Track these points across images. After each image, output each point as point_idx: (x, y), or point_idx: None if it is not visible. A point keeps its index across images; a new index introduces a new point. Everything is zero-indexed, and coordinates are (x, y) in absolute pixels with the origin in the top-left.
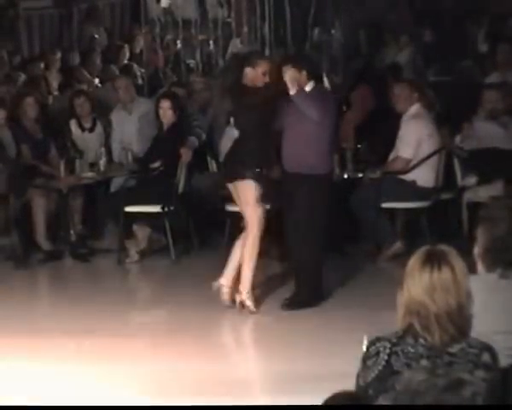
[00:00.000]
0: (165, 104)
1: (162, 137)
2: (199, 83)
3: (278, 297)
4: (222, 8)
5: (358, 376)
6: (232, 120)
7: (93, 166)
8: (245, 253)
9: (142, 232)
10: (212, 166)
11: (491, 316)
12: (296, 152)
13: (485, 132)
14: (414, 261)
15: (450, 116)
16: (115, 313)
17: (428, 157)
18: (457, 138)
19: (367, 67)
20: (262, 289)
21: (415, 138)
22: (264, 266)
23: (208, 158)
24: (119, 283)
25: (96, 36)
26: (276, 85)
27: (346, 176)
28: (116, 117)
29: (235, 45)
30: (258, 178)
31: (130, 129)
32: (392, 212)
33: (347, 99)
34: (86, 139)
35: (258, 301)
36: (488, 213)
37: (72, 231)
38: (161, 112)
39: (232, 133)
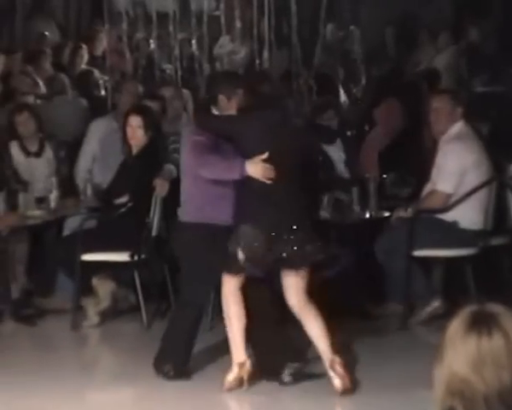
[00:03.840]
0: (135, 121)
1: (130, 165)
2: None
3: None
4: None
5: None
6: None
7: (41, 201)
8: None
9: (103, 288)
10: None
11: None
12: None
13: None
14: (456, 325)
15: (502, 138)
16: (69, 391)
17: (475, 191)
18: None
19: (395, 74)
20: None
21: (457, 167)
22: None
23: None
24: (74, 353)
25: (46, 33)
26: None
27: (368, 215)
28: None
29: (224, 45)
30: None
31: (84, 157)
32: (427, 261)
33: (370, 116)
34: (32, 166)
35: None
36: None
37: (14, 286)
38: (130, 131)
39: None
